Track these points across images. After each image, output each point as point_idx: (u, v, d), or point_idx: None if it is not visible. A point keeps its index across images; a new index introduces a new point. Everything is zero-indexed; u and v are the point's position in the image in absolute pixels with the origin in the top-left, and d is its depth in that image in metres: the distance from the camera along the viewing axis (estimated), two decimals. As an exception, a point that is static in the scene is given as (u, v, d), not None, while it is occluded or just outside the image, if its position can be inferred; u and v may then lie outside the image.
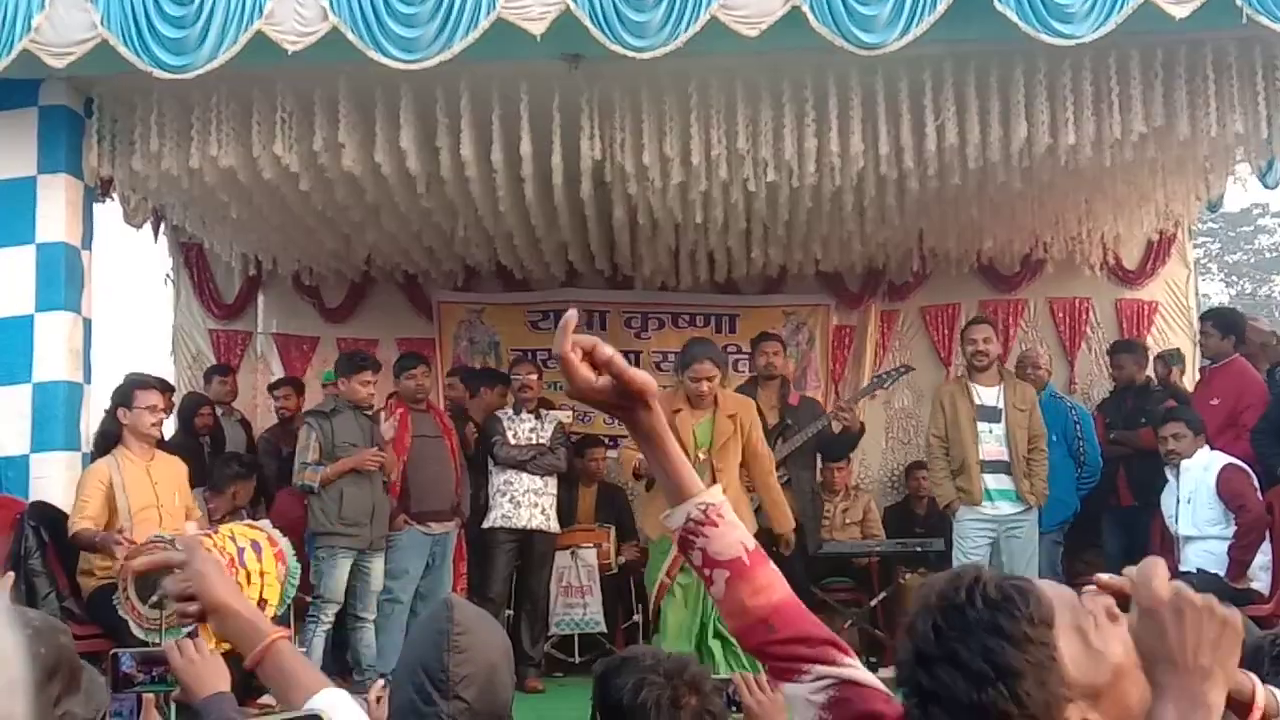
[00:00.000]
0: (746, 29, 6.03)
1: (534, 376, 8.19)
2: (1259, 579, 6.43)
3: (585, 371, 1.76)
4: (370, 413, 7.41)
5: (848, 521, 9.13)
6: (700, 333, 10.01)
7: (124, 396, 6.42)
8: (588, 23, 6.01)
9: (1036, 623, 1.48)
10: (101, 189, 7.69)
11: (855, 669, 1.69)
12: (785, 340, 8.23)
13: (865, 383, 9.53)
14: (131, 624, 5.60)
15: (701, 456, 6.32)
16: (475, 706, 2.24)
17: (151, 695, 2.74)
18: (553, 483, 7.92)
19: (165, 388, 8.56)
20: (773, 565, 1.78)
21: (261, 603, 5.91)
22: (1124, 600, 1.59)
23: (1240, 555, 6.39)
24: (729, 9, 6.00)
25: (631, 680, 2.36)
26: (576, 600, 8.43)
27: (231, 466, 7.70)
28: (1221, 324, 8.13)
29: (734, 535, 1.76)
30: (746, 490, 6.56)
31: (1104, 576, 1.66)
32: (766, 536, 6.54)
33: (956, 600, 1.51)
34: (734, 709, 2.66)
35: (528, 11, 6.02)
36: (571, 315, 1.73)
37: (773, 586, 1.74)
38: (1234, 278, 37.78)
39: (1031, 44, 6.18)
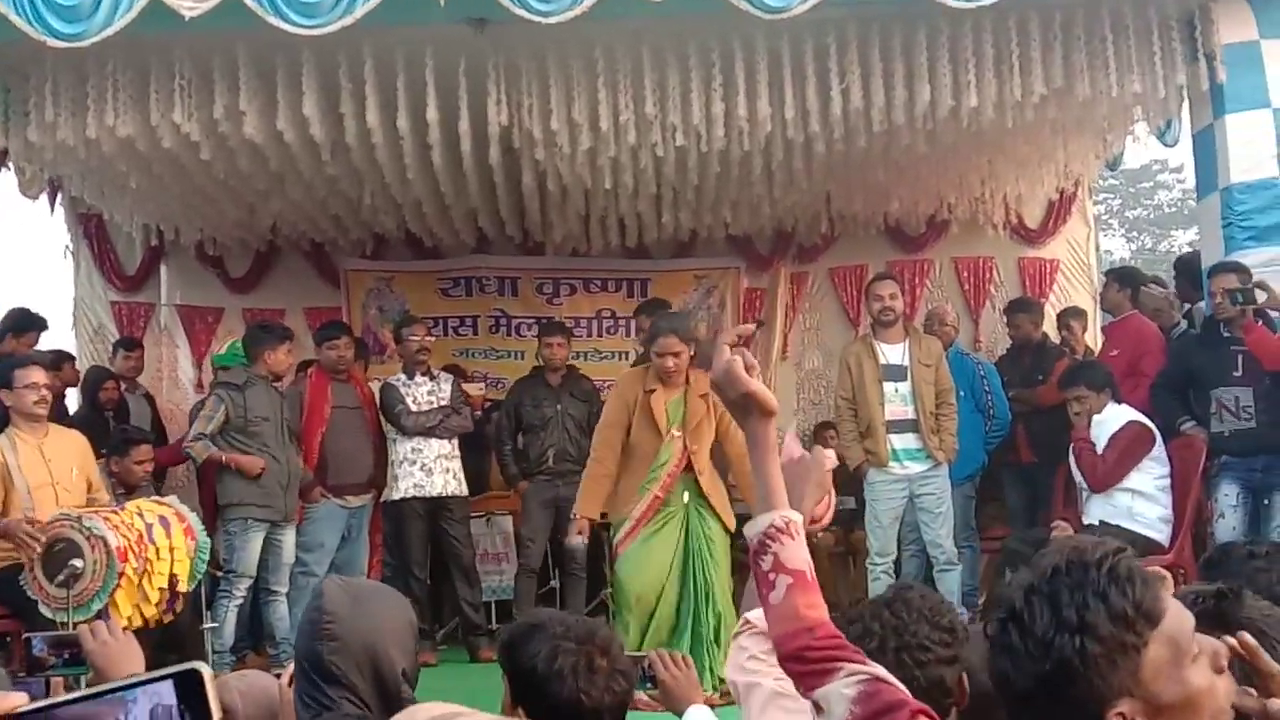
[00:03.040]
0: (652, -7, 6.02)
1: (429, 338, 8.12)
2: (1159, 530, 6.61)
3: (741, 372, 2.05)
4: (279, 385, 7.32)
5: (760, 482, 9.22)
6: (612, 298, 10.05)
7: (3, 377, 6.27)
8: (492, -13, 5.95)
9: (1141, 612, 1.58)
10: (-5, 160, 7.50)
11: (879, 669, 1.83)
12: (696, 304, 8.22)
13: (774, 345, 9.63)
14: (40, 604, 5.52)
15: (675, 433, 6.37)
16: (361, 689, 2.26)
17: (62, 678, 2.70)
18: (459, 445, 7.83)
19: (60, 360, 8.40)
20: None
21: (172, 578, 5.87)
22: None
23: (1088, 462, 6.63)
24: (634, -28, 5.99)
25: (544, 648, 2.37)
26: (493, 567, 8.44)
27: (113, 439, 7.45)
28: (1119, 278, 8.35)
29: (803, 552, 1.92)
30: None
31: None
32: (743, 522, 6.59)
33: (1086, 558, 1.62)
34: (649, 684, 2.69)
35: (431, -25, 5.95)
36: (749, 328, 2.03)
37: (821, 605, 1.90)
38: (1135, 233, 38.60)
39: (934, 7, 6.26)
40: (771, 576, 1.90)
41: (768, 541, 1.91)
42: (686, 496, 6.38)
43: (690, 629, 6.26)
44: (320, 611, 2.34)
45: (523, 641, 2.38)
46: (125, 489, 6.94)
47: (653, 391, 6.45)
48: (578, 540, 6.63)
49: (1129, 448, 6.63)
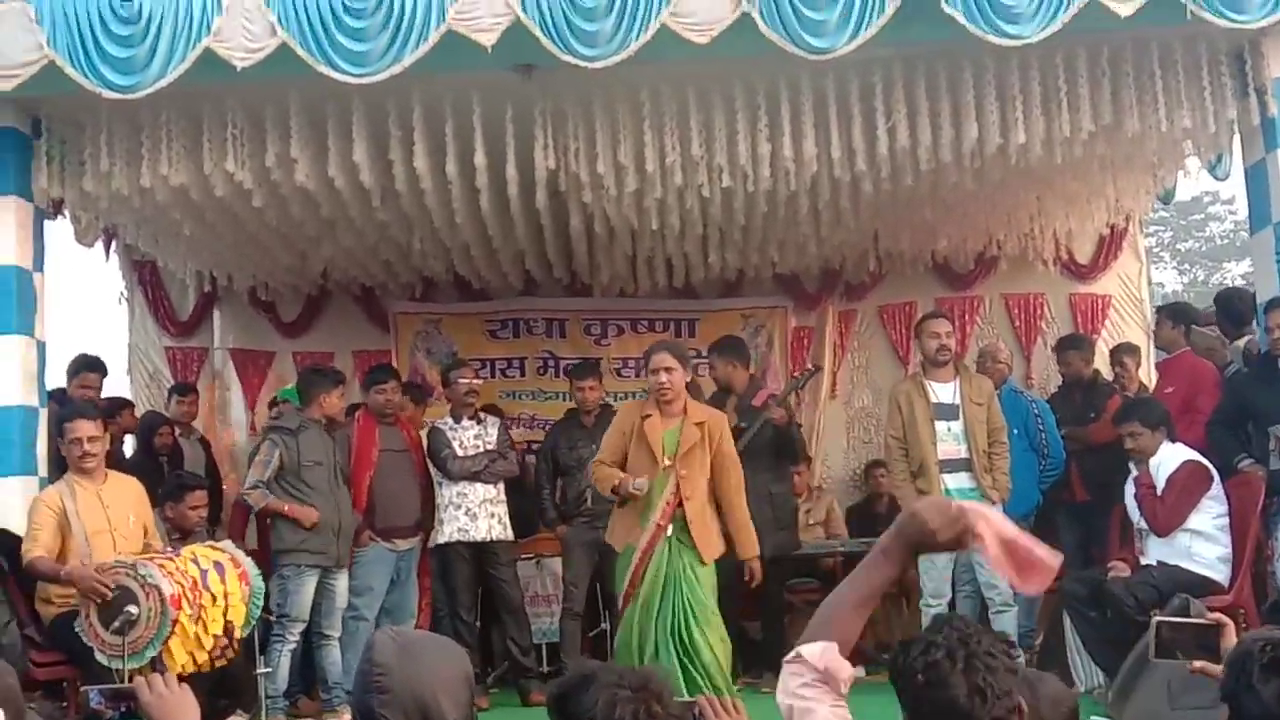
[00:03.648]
0: (697, 36, 6.06)
1: (477, 381, 8.13)
2: (1218, 570, 6.50)
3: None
4: (333, 429, 7.36)
5: (811, 522, 9.17)
6: (660, 337, 10.01)
7: (58, 428, 6.33)
8: (538, 33, 6.02)
9: None
10: (52, 208, 7.62)
11: None
12: (730, 346, 8.15)
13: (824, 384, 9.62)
14: (95, 650, 5.56)
15: (667, 463, 6.29)
16: None
17: (117, 731, 2.71)
18: (504, 489, 7.80)
19: (119, 407, 8.50)
20: None
21: (227, 625, 5.90)
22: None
23: (1149, 506, 6.52)
24: (679, 16, 6.03)
25: (601, 698, 2.35)
26: (544, 609, 8.41)
27: (168, 485, 7.46)
28: (1173, 315, 8.26)
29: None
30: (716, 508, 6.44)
31: None
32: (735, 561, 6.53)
33: None
34: (700, 728, 2.66)
35: (478, 23, 6.02)
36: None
37: None
38: (1186, 266, 38.23)
39: (979, 45, 6.24)
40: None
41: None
42: (671, 529, 6.25)
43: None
44: (370, 664, 2.34)
45: (576, 693, 2.36)
46: (180, 534, 6.98)
47: (648, 417, 6.36)
48: (643, 481, 6.30)
49: (1187, 487, 6.52)
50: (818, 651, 2.31)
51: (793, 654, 2.37)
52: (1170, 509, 6.51)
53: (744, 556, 6.47)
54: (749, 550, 6.47)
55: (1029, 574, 2.27)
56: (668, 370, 6.34)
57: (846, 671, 2.32)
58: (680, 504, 6.26)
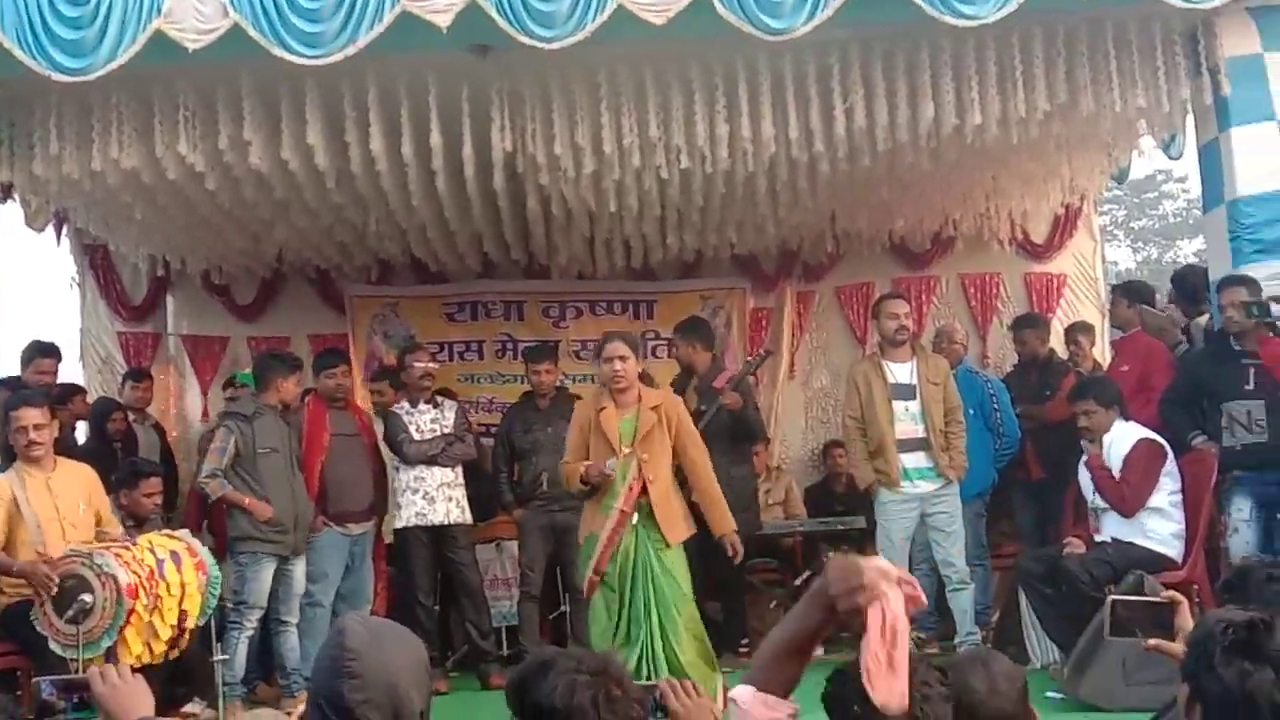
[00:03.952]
0: (654, 17, 6.03)
1: (433, 364, 8.08)
2: (1172, 546, 6.57)
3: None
4: (288, 416, 7.30)
5: (770, 502, 9.19)
6: (618, 320, 10.01)
7: (6, 412, 6.24)
8: (494, 14, 5.97)
9: None
10: (1, 192, 7.50)
11: None
12: (693, 328, 8.12)
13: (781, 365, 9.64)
14: (49, 640, 5.51)
15: (626, 450, 6.28)
16: None
17: (71, 723, 2.69)
18: (462, 472, 7.78)
19: (71, 394, 8.39)
20: None
21: (182, 614, 5.85)
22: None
23: (1110, 489, 6.57)
24: (636, -3, 5.99)
25: (560, 683, 2.34)
26: (503, 593, 8.39)
27: (122, 471, 7.37)
28: (1128, 293, 8.33)
29: None
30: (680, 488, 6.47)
31: None
32: (705, 535, 6.54)
33: None
34: (660, 714, 2.66)
35: (433, 3, 5.98)
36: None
37: None
38: (1140, 244, 38.56)
39: (936, 25, 6.26)
40: None
41: None
42: (636, 517, 6.25)
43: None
44: (342, 649, 2.32)
45: (535, 680, 2.35)
46: (135, 521, 6.91)
47: (603, 409, 6.38)
48: (614, 461, 6.27)
49: (1147, 466, 6.58)
50: (747, 696, 2.36)
51: (729, 698, 2.41)
52: (1135, 489, 6.56)
53: (719, 532, 6.45)
54: (724, 526, 6.45)
55: (882, 677, 2.21)
56: (621, 359, 6.35)
57: (782, 711, 2.36)
58: (644, 489, 6.26)
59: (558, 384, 8.20)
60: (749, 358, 9.03)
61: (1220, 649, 2.19)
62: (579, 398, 8.22)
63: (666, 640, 6.10)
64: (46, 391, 7.39)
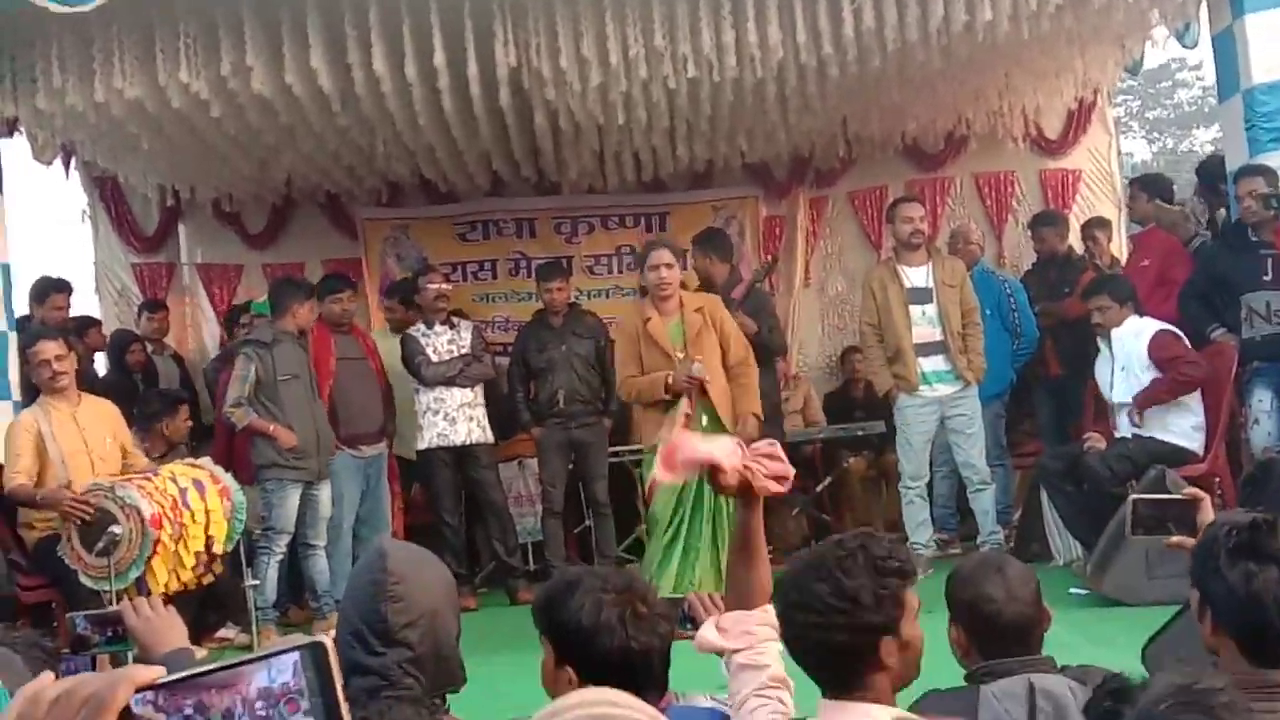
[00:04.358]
0: (656, -77, 5.92)
1: (447, 285, 8.08)
2: (1193, 439, 6.57)
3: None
4: (304, 342, 7.32)
5: (789, 410, 9.20)
6: (630, 233, 9.98)
7: (24, 350, 6.28)
8: (493, -74, 5.87)
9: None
10: (6, 127, 7.47)
11: None
12: (709, 239, 8.07)
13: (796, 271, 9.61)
14: (79, 573, 5.58)
15: (680, 355, 6.40)
16: (419, 652, 2.27)
17: (106, 656, 2.72)
18: (481, 391, 7.82)
19: (86, 326, 8.44)
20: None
21: (209, 540, 5.92)
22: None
23: (1158, 394, 6.50)
24: (636, -96, 5.89)
25: (587, 602, 2.37)
26: (527, 509, 8.48)
27: (152, 404, 7.53)
28: (1148, 188, 8.23)
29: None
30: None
31: None
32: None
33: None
34: (689, 625, 2.69)
35: (430, -83, 5.87)
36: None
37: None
38: (1155, 134, 38.15)
39: (943, -80, 6.13)
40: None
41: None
42: (705, 420, 6.36)
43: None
44: (385, 572, 2.32)
45: (562, 599, 2.37)
46: (169, 448, 7.03)
47: (649, 320, 6.51)
48: (699, 364, 6.43)
49: (1174, 352, 6.53)
50: (707, 636, 2.48)
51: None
52: (1186, 365, 6.52)
53: (740, 410, 6.51)
54: (747, 405, 6.52)
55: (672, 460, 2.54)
56: (667, 266, 6.51)
57: (738, 628, 2.46)
58: (704, 390, 6.37)
59: (570, 300, 8.19)
60: (756, 267, 8.98)
61: (1225, 551, 2.20)
62: (591, 314, 8.24)
63: (716, 550, 6.17)
64: (62, 325, 7.42)
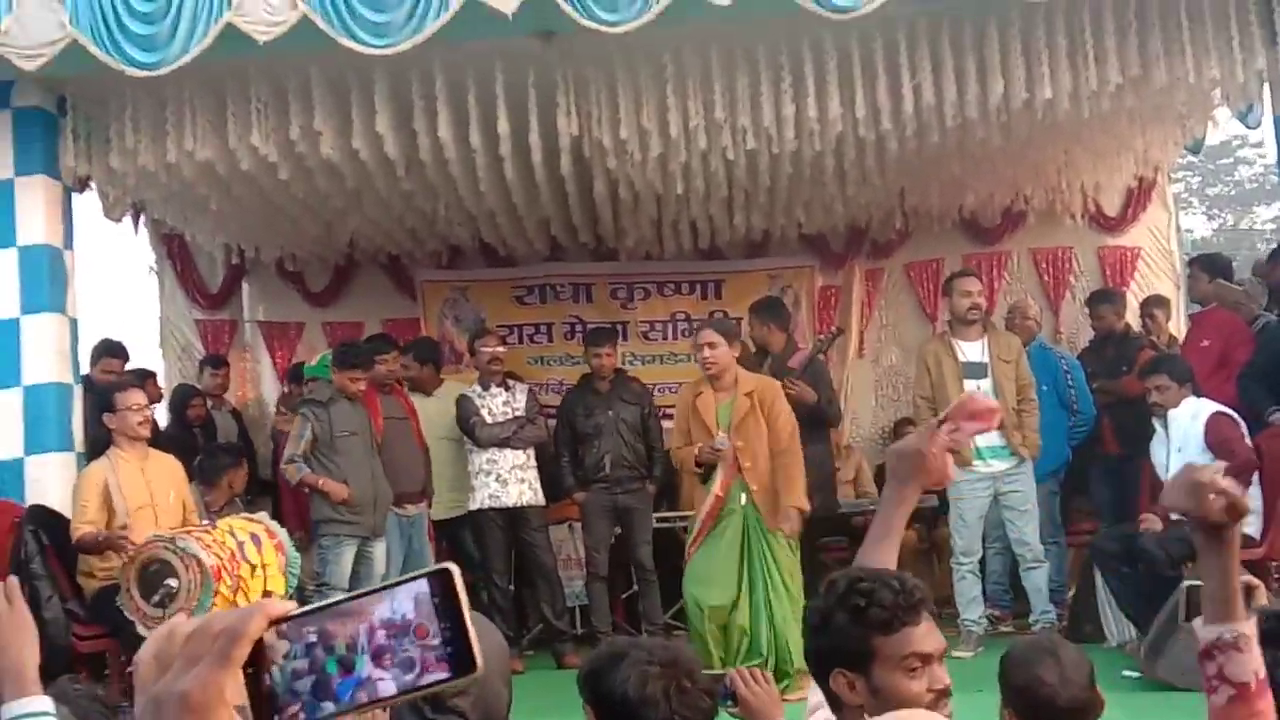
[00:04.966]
0: (719, -2, 6.02)
1: (501, 348, 8.16)
2: (1250, 524, 6.49)
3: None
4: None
5: (841, 481, 9.17)
6: (686, 300, 10.05)
7: (105, 402, 6.41)
8: (559, 0, 5.99)
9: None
10: (79, 184, 7.66)
11: None
12: (766, 308, 8.11)
13: (851, 343, 9.62)
14: (137, 624, 5.63)
15: (722, 434, 6.45)
16: (469, 716, 2.28)
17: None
18: (534, 454, 7.88)
19: (143, 378, 8.60)
20: (1271, 696, 2.02)
21: (266, 594, 5.96)
22: None
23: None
24: (700, -22, 5.98)
25: (633, 674, 2.38)
26: (576, 573, 8.48)
27: (219, 458, 7.70)
28: (1209, 267, 8.18)
29: (1252, 664, 1.97)
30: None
31: None
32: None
33: None
34: (729, 702, 2.70)
35: (497, -10, 6.00)
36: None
37: (1266, 714, 1.97)
38: (1215, 211, 37.84)
39: (1004, 0, 6.18)
40: (1215, 684, 1.97)
41: (1215, 653, 1.97)
42: (744, 499, 6.46)
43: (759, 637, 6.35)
44: None
45: (608, 670, 2.39)
46: (228, 501, 7.16)
47: (700, 395, 6.64)
48: (722, 437, 6.55)
49: (1228, 435, 6.48)
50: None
51: (811, 690, 2.44)
52: (1241, 453, 6.46)
53: (784, 504, 6.52)
54: (790, 498, 6.52)
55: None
56: (710, 345, 6.57)
57: None
58: (741, 473, 6.45)
59: (617, 366, 8.26)
60: (819, 336, 9.00)
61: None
62: (637, 380, 8.31)
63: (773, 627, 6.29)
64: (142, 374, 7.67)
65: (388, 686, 0.92)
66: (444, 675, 0.93)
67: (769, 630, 6.32)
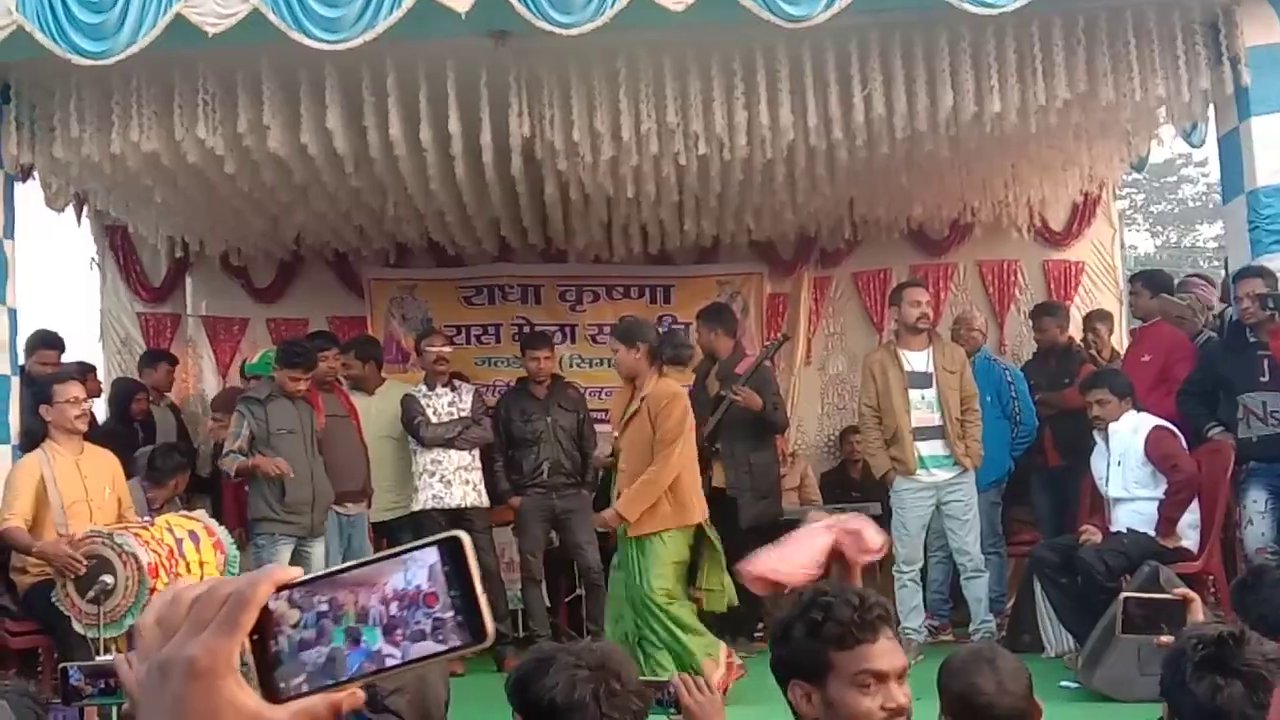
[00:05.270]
0: (673, 4, 6.03)
1: (447, 348, 8.11)
2: (1187, 537, 6.57)
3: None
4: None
5: (786, 487, 9.19)
6: (634, 304, 10.01)
7: (43, 393, 6.31)
8: (513, 0, 5.97)
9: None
10: (21, 173, 7.55)
11: None
12: (713, 313, 8.10)
13: (798, 350, 9.65)
14: (72, 620, 5.56)
15: (615, 434, 6.46)
16: (405, 716, 2.26)
17: (96, 708, 2.73)
18: (478, 455, 7.83)
19: (84, 371, 8.47)
20: None
21: (202, 592, 5.90)
22: None
23: (1170, 513, 6.52)
24: (655, -17, 5.98)
25: (560, 680, 2.36)
26: (518, 576, 8.43)
27: (173, 457, 7.60)
28: (1150, 284, 8.28)
29: None
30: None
31: None
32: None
33: None
34: (673, 710, 2.69)
35: (452, -12, 5.97)
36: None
37: None
38: (1159, 228, 38.40)
39: (955, 13, 6.24)
40: None
41: None
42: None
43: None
44: None
45: (535, 677, 2.37)
46: (168, 500, 7.09)
47: (620, 394, 6.63)
48: None
49: (1171, 449, 6.56)
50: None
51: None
52: (1184, 464, 6.55)
53: (618, 504, 6.33)
54: (623, 503, 6.28)
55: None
56: (613, 350, 6.50)
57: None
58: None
59: (557, 371, 8.24)
60: (766, 343, 9.03)
61: (1192, 664, 2.21)
62: (573, 385, 8.31)
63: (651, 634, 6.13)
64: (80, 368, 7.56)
65: (394, 657, 0.91)
66: (455, 644, 0.91)
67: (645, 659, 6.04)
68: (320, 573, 0.93)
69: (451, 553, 0.92)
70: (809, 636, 2.18)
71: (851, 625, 2.17)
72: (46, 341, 8.07)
